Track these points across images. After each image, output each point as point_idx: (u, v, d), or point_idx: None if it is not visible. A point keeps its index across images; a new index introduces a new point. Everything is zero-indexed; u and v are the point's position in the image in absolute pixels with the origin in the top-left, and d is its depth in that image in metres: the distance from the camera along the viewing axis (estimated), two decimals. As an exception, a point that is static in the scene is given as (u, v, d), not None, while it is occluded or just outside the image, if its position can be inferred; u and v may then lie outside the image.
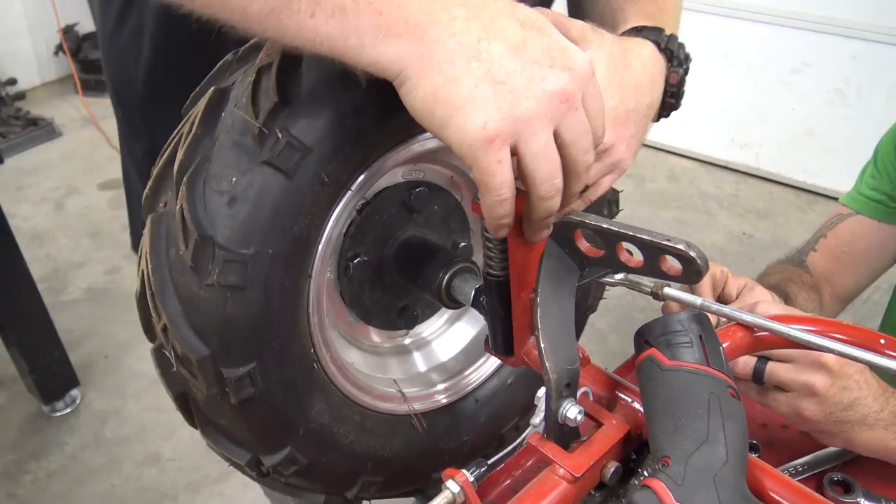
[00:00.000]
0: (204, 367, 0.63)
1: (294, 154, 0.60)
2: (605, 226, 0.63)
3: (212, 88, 0.63)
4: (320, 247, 0.68)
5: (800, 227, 3.40)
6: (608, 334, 2.78)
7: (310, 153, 0.60)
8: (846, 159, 3.26)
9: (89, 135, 4.25)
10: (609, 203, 0.92)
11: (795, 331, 0.75)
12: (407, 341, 0.93)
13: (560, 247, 0.68)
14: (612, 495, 0.71)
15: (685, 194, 3.73)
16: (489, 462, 0.63)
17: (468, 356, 0.94)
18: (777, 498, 0.63)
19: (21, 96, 4.60)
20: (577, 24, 0.80)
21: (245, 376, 0.65)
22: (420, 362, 0.94)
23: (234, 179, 0.59)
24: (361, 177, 0.69)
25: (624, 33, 0.87)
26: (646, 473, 0.72)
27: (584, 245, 0.66)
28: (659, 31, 0.85)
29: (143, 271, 0.65)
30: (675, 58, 0.84)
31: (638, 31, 0.86)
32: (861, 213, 1.32)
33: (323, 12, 0.51)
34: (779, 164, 3.76)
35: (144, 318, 0.69)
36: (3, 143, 3.97)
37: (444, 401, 0.89)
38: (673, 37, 0.85)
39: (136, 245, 1.21)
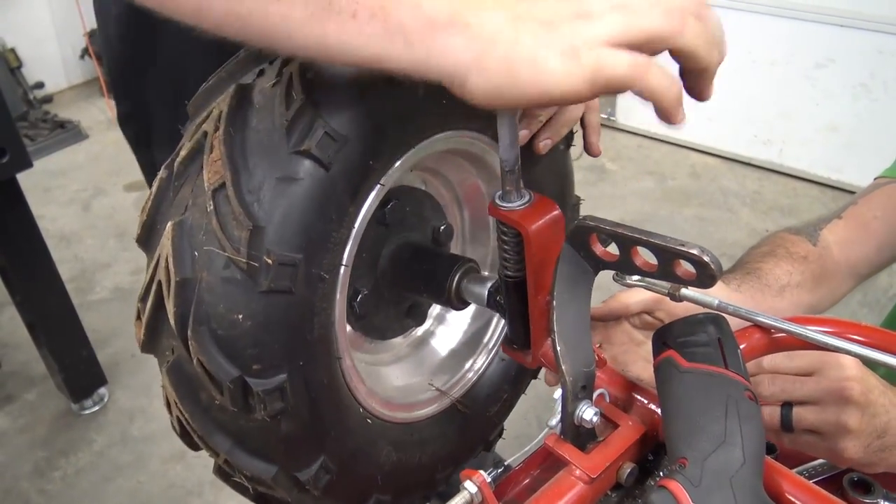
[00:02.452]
0: (279, 481, 0.65)
1: (288, 271, 0.58)
2: (619, 230, 0.63)
3: (169, 225, 0.59)
4: (336, 325, 0.68)
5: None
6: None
7: (301, 262, 0.59)
8: (871, 155, 3.22)
9: (115, 136, 4.31)
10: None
11: (813, 332, 0.76)
12: (420, 332, 0.95)
13: (575, 251, 0.68)
14: (629, 496, 0.71)
15: (707, 191, 3.70)
16: (506, 463, 0.64)
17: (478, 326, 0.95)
18: (794, 500, 0.63)
19: (48, 99, 4.69)
20: None
21: (319, 470, 0.66)
22: (440, 348, 0.95)
23: (239, 317, 0.57)
24: (348, 246, 0.66)
25: None
26: (662, 474, 0.73)
27: (599, 249, 0.67)
28: None
29: (177, 417, 0.65)
30: None
31: None
32: None
33: (365, 11, 0.49)
34: (802, 161, 3.71)
35: (191, 444, 0.68)
36: (32, 145, 4.04)
37: (474, 376, 0.91)
38: None
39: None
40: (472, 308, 0.95)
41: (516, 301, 0.75)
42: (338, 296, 0.66)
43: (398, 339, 0.91)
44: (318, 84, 0.58)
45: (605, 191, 3.61)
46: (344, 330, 0.70)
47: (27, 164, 2.01)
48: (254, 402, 0.59)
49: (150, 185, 0.64)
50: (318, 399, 0.65)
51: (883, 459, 0.84)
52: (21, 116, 4.27)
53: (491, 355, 0.93)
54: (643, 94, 0.54)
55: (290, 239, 0.57)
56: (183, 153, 0.61)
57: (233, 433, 0.62)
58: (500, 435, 0.96)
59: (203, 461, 2.33)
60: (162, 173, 0.63)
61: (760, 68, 3.65)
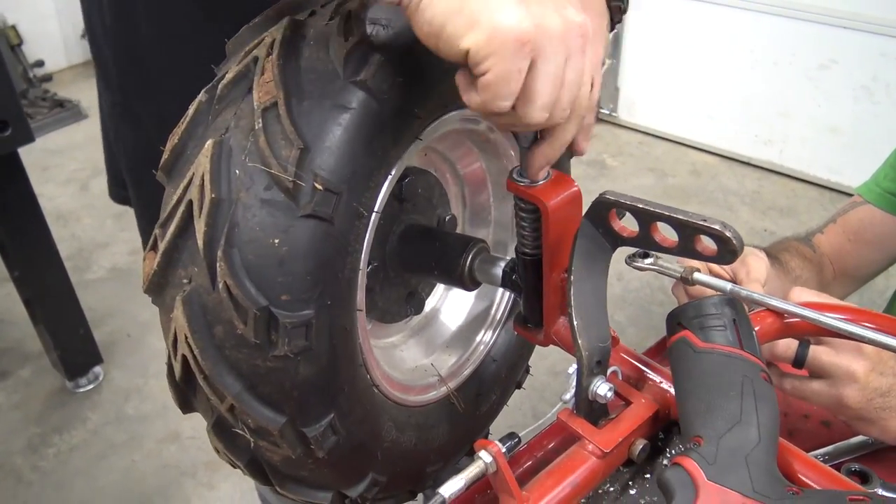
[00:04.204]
0: (285, 434, 0.61)
1: (331, 198, 0.57)
2: (640, 206, 0.64)
3: (209, 143, 0.57)
4: (360, 276, 0.66)
5: (818, 225, 3.37)
6: (626, 327, 2.77)
7: (344, 192, 0.58)
8: (871, 157, 3.20)
9: (114, 117, 4.30)
10: None
11: (826, 318, 0.76)
12: (414, 323, 0.94)
13: (594, 227, 0.68)
14: (640, 473, 0.72)
15: (707, 189, 3.70)
16: (520, 435, 0.64)
17: (476, 320, 0.95)
18: (805, 480, 0.64)
19: (48, 78, 4.65)
20: None
21: (327, 429, 0.63)
22: (436, 338, 0.95)
23: (275, 241, 0.55)
24: (382, 191, 0.66)
25: None
26: (673, 453, 0.73)
27: (617, 224, 0.67)
28: None
29: (184, 355, 0.60)
30: None
31: None
32: (873, 204, 1.31)
33: None
34: (802, 162, 3.72)
35: (183, 397, 0.65)
36: (30, 123, 3.99)
37: (469, 371, 0.90)
38: None
39: (112, 193, 1.22)
40: (466, 301, 0.95)
41: (533, 279, 0.75)
42: (365, 243, 0.65)
43: (394, 330, 0.91)
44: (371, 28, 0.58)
45: (604, 186, 3.61)
46: (363, 282, 0.68)
47: (29, 139, 2.00)
48: (277, 336, 0.56)
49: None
50: (338, 346, 0.62)
51: (881, 419, 0.88)
52: (21, 94, 4.23)
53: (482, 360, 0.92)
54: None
55: (337, 166, 0.56)
56: (229, 76, 0.60)
57: (245, 374, 0.59)
58: (485, 437, 0.96)
59: (198, 443, 2.33)
60: (201, 97, 0.61)
61: (763, 68, 3.65)
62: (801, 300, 0.86)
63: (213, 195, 0.55)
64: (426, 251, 0.82)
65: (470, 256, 0.80)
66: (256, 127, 0.55)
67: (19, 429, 2.40)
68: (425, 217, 0.85)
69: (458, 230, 0.93)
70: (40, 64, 4.62)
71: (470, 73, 0.55)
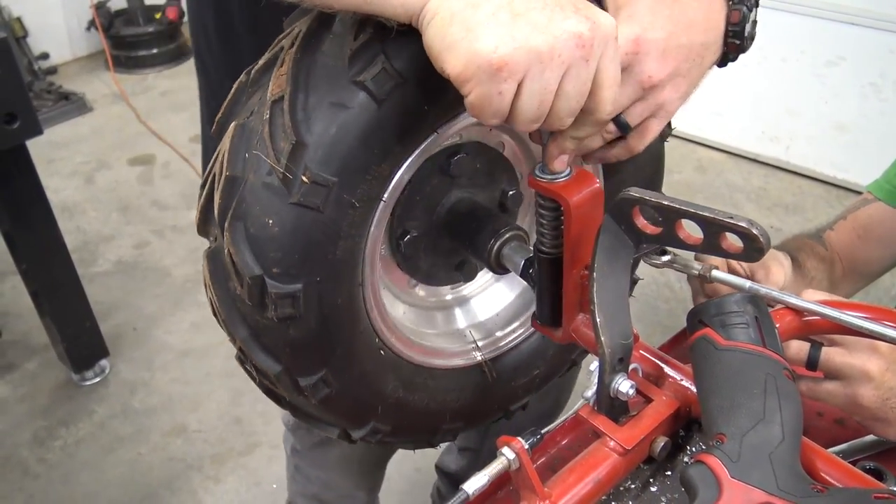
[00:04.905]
0: (281, 380, 0.70)
1: (321, 191, 0.61)
2: (665, 202, 0.63)
3: (233, 125, 0.64)
4: (366, 254, 0.71)
5: (829, 221, 3.36)
6: (633, 323, 2.78)
7: (334, 186, 0.62)
8: (878, 155, 3.20)
9: (119, 110, 4.28)
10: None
11: (847, 315, 0.75)
12: (466, 291, 0.95)
13: (617, 223, 0.68)
14: (661, 470, 0.72)
15: (712, 186, 3.70)
16: (542, 432, 0.64)
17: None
18: (828, 478, 0.64)
19: (53, 71, 4.64)
20: None
21: (319, 381, 0.71)
22: (481, 311, 0.95)
23: (269, 221, 0.62)
24: (392, 183, 0.69)
25: None
26: (694, 450, 0.73)
27: (641, 222, 0.67)
28: None
29: (209, 298, 0.71)
30: None
31: None
32: (884, 201, 1.31)
33: None
34: (809, 159, 3.71)
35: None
36: (35, 116, 4.01)
37: (510, 344, 0.91)
38: None
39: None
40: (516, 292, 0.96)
41: (548, 277, 0.75)
42: (372, 227, 0.69)
43: (445, 288, 0.92)
44: (389, 26, 0.59)
45: (610, 182, 3.60)
46: (375, 261, 0.74)
47: (37, 131, 1.99)
48: (268, 301, 0.64)
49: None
50: (330, 316, 0.68)
51: None
52: (26, 86, 4.23)
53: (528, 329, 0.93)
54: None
55: (329, 161, 0.61)
56: (261, 62, 0.66)
57: (250, 325, 0.67)
58: (523, 408, 0.96)
59: (204, 436, 2.34)
60: (242, 77, 0.68)
61: (770, 64, 3.64)
62: (816, 299, 0.86)
63: (227, 173, 0.63)
64: (465, 228, 0.84)
65: (499, 242, 0.81)
66: (265, 117, 0.61)
67: (26, 422, 2.40)
68: (484, 192, 0.86)
69: (524, 207, 0.93)
70: (45, 56, 4.61)
71: None
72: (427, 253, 0.84)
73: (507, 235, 0.80)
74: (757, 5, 0.79)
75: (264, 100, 0.63)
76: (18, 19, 4.39)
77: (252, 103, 0.65)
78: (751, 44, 0.80)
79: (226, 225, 0.63)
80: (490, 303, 0.95)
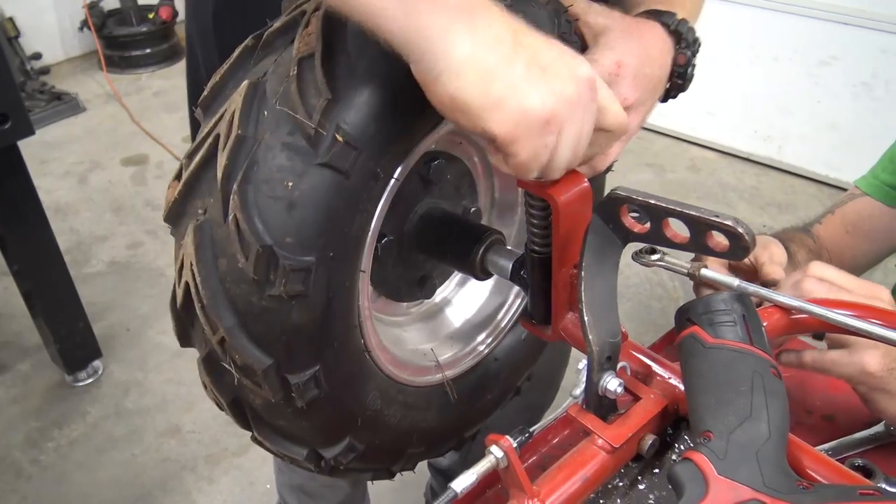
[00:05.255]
0: (268, 376, 0.62)
1: (350, 153, 0.58)
2: (652, 201, 0.64)
3: (245, 83, 0.59)
4: (368, 239, 0.67)
5: (817, 215, 3.38)
6: (624, 322, 2.76)
7: (364, 150, 0.59)
8: (870, 154, 3.19)
9: (112, 110, 4.27)
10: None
11: (834, 314, 0.76)
12: (423, 309, 0.94)
13: (605, 222, 0.68)
14: (649, 468, 0.72)
15: (705, 185, 3.71)
16: (531, 430, 0.64)
17: (485, 317, 0.95)
18: (814, 475, 0.64)
19: (45, 71, 4.62)
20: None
21: (310, 380, 0.64)
22: (441, 328, 0.94)
23: (289, 184, 0.57)
24: (402, 164, 0.67)
25: (635, 15, 0.89)
26: (681, 448, 0.73)
27: (628, 220, 0.67)
28: (669, 14, 0.87)
29: (186, 282, 0.61)
30: (684, 39, 0.87)
31: (647, 14, 0.88)
32: (872, 196, 1.32)
33: None
34: (801, 158, 3.72)
35: (182, 327, 0.67)
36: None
37: (468, 365, 0.90)
38: (683, 20, 0.87)
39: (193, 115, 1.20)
40: (477, 297, 0.95)
41: (541, 277, 0.75)
42: (379, 206, 0.66)
43: (401, 310, 0.91)
44: None
45: (604, 181, 3.61)
46: (371, 248, 0.69)
47: (29, 132, 1.98)
48: (276, 276, 0.58)
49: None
50: (335, 300, 0.63)
51: None
52: (18, 87, 4.21)
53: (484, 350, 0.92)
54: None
55: (361, 123, 0.58)
56: (277, 25, 0.62)
57: (240, 310, 0.60)
58: (472, 437, 0.94)
59: (198, 436, 2.33)
60: (248, 42, 0.63)
61: (763, 64, 3.65)
62: (820, 275, 0.87)
63: (238, 131, 0.57)
64: (443, 234, 0.83)
65: (484, 246, 0.80)
66: (292, 73, 0.57)
67: (18, 423, 2.40)
68: (450, 204, 0.85)
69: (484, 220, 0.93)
70: (38, 56, 4.59)
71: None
72: (396, 263, 0.82)
73: (490, 240, 0.79)
74: (698, 51, 0.88)
75: (284, 59, 0.59)
76: (10, 19, 4.37)
77: (265, 65, 0.61)
78: (689, 85, 0.90)
79: (234, 188, 0.57)
80: (449, 320, 0.94)
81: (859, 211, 1.32)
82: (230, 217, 0.57)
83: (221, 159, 0.58)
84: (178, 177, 0.62)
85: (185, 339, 0.68)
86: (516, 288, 0.91)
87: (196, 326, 0.65)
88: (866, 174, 1.37)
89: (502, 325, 0.93)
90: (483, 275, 0.81)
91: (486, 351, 0.92)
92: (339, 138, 0.56)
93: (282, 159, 0.57)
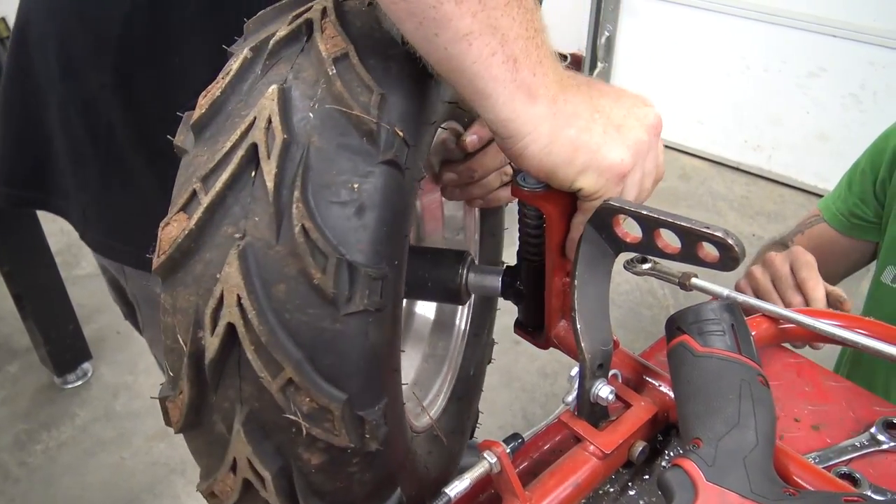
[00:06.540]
0: (345, 416, 0.51)
1: (405, 149, 0.55)
2: (644, 212, 0.65)
3: (273, 87, 0.53)
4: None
5: (789, 232, 3.41)
6: (615, 329, 2.78)
7: (412, 146, 0.56)
8: (859, 165, 3.26)
9: (104, 112, 4.27)
10: None
11: (821, 324, 0.77)
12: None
13: (598, 232, 0.69)
14: (639, 474, 0.73)
15: (695, 194, 3.74)
16: (524, 436, 0.65)
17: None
18: (801, 482, 0.65)
19: (37, 71, 4.61)
20: None
21: (381, 416, 0.54)
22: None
23: (355, 186, 0.51)
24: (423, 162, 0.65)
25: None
26: (671, 455, 0.74)
27: (621, 230, 0.68)
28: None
29: (228, 325, 0.50)
30: None
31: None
32: (829, 223, 1.39)
33: (503, 54, 0.54)
34: (791, 168, 3.76)
35: (198, 399, 0.54)
36: (19, 117, 3.97)
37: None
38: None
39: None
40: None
41: (533, 285, 0.76)
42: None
43: None
44: None
45: (595, 189, 3.62)
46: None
47: (22, 133, 1.98)
48: (354, 290, 0.50)
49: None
50: (398, 317, 0.56)
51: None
52: (9, 87, 4.19)
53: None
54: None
55: (409, 117, 0.56)
56: (280, 34, 0.57)
57: (306, 342, 0.50)
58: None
59: (187, 440, 2.33)
60: (246, 54, 0.57)
61: (753, 74, 3.69)
62: (804, 260, 0.93)
63: (284, 135, 0.51)
64: (419, 264, 0.80)
65: (466, 269, 0.80)
66: (330, 73, 0.53)
67: (7, 425, 2.38)
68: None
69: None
70: (30, 57, 4.58)
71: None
72: None
73: (467, 262, 0.79)
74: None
75: (305, 65, 0.55)
76: (3, 20, 4.36)
77: (279, 74, 0.56)
78: None
79: (296, 195, 0.50)
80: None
81: (821, 235, 1.39)
82: (296, 229, 0.49)
83: (269, 167, 0.50)
84: (183, 208, 0.53)
85: (195, 416, 0.55)
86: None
87: (223, 391, 0.52)
88: (827, 198, 1.42)
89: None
90: (466, 297, 0.81)
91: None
92: (399, 132, 0.53)
93: (341, 161, 0.52)
